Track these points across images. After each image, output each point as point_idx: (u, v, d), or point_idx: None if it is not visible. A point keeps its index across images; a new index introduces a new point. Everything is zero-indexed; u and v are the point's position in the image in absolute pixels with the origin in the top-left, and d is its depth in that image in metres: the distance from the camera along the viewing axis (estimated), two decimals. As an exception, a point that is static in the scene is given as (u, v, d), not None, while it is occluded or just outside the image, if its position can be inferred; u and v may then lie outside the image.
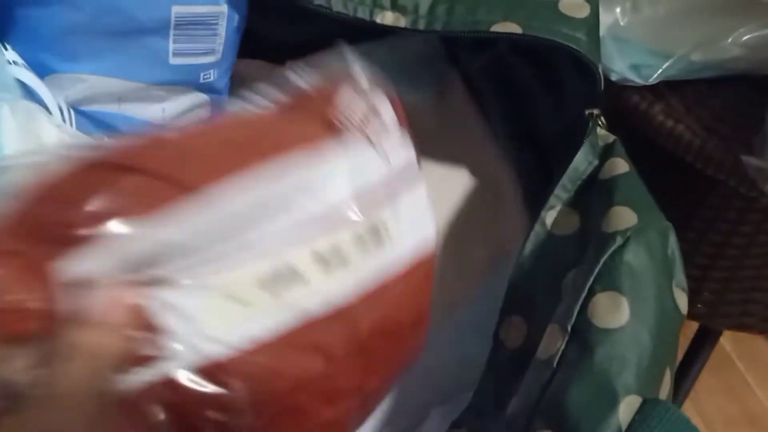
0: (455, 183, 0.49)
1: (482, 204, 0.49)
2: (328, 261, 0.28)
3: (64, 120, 0.39)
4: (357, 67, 0.34)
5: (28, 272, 0.23)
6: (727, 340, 0.77)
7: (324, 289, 0.28)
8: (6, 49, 0.37)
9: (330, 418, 0.31)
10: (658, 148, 0.46)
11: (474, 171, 0.49)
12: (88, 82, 0.40)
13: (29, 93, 0.37)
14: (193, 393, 0.25)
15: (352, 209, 0.28)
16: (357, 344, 0.30)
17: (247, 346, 0.26)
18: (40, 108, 0.37)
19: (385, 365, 0.34)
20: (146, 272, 0.25)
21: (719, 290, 0.55)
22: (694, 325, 0.67)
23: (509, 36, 0.34)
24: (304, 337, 0.28)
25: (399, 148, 0.32)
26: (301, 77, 0.31)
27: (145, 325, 0.24)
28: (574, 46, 0.34)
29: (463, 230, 0.48)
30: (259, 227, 0.27)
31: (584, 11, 0.35)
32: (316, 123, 0.29)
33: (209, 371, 0.25)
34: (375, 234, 0.29)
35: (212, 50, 0.41)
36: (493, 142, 0.50)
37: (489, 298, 0.45)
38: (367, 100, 0.32)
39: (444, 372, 0.43)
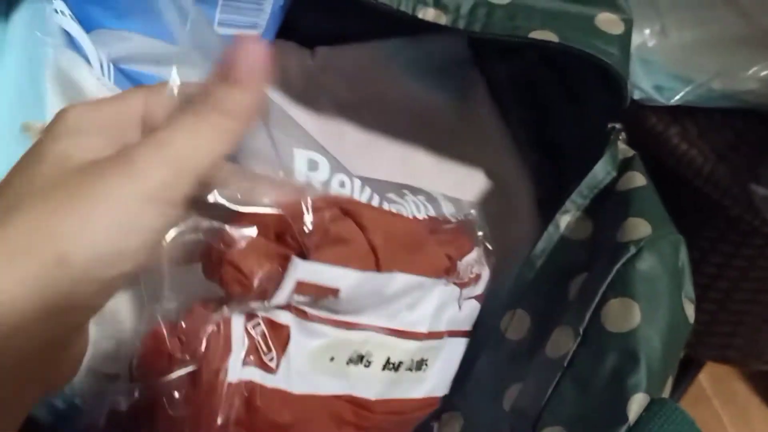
0: (470, 183, 0.50)
1: (494, 206, 0.50)
2: (388, 365, 0.35)
3: (103, 73, 0.39)
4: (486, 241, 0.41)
5: None
6: (705, 377, 0.78)
7: (373, 381, 0.34)
8: None
9: None
10: (667, 170, 0.48)
11: (489, 173, 0.50)
12: (131, 41, 0.40)
13: (72, 44, 0.38)
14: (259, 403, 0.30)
15: (422, 338, 0.35)
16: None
17: (317, 393, 0.32)
18: (82, 59, 0.37)
19: None
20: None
21: (707, 321, 0.57)
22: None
23: (546, 43, 0.35)
24: (340, 404, 0.33)
25: (471, 311, 0.40)
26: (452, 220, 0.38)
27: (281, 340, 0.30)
28: (607, 60, 0.35)
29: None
30: (377, 311, 0.33)
31: (619, 28, 0.36)
32: (444, 261, 0.35)
33: (280, 396, 0.30)
34: (420, 363, 0.36)
35: (256, 24, 0.42)
36: (511, 147, 0.51)
37: (495, 298, 0.47)
38: (479, 268, 0.39)
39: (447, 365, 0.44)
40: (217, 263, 0.27)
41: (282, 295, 0.28)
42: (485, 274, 0.39)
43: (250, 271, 0.27)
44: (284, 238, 0.28)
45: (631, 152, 0.38)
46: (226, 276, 0.27)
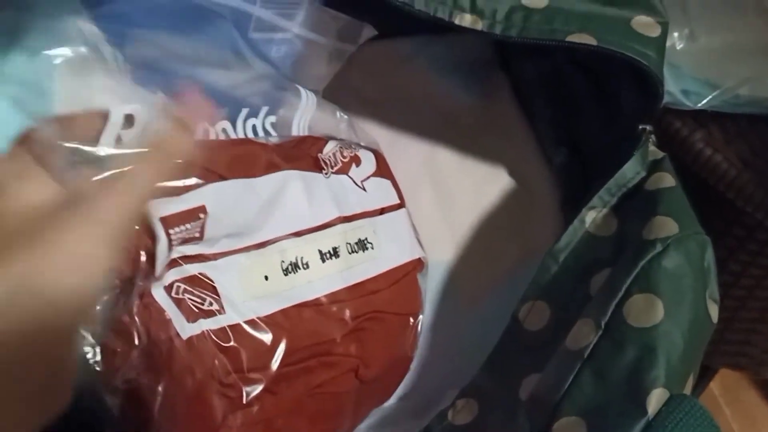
0: (493, 180, 0.51)
1: (517, 203, 0.51)
2: (327, 257, 0.38)
3: (119, 69, 0.40)
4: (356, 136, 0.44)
5: None
6: (716, 385, 0.78)
7: (323, 276, 0.37)
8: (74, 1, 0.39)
9: (332, 391, 0.37)
10: (691, 174, 0.48)
11: (512, 171, 0.51)
12: (160, 43, 0.41)
13: (87, 43, 0.38)
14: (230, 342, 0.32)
15: (341, 223, 0.39)
16: (352, 326, 0.38)
17: (272, 311, 0.34)
18: (96, 58, 0.38)
19: (379, 355, 0.40)
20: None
21: (721, 329, 0.57)
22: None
23: (585, 47, 0.35)
24: (311, 311, 0.36)
25: (379, 188, 0.43)
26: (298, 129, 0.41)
27: (208, 287, 0.32)
28: (645, 62, 0.35)
29: (496, 226, 0.50)
30: (273, 219, 0.36)
31: (656, 31, 0.37)
32: (305, 158, 0.39)
33: (246, 326, 0.33)
34: (359, 243, 0.40)
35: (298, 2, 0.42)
36: (535, 146, 0.52)
37: (514, 294, 0.47)
38: (351, 151, 0.42)
39: (463, 357, 0.45)
40: None
41: (162, 242, 0.31)
42: (365, 153, 0.43)
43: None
44: None
45: (661, 154, 0.39)
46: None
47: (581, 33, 0.36)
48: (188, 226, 0.32)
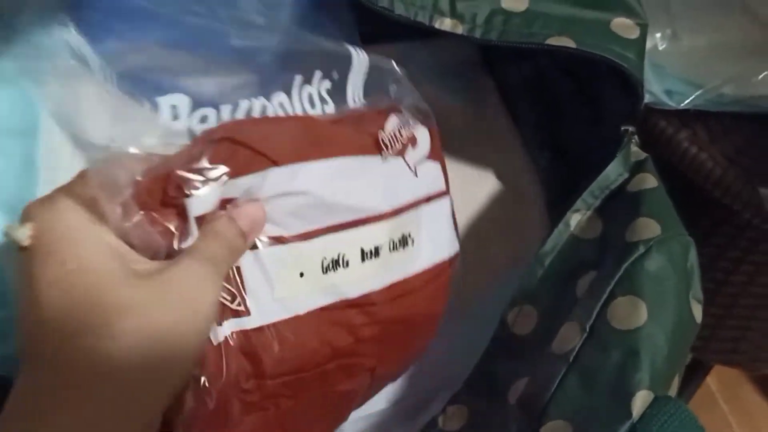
0: (481, 184, 0.51)
1: (505, 207, 0.51)
2: (368, 256, 0.34)
3: (105, 79, 0.40)
4: (411, 98, 0.40)
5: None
6: (713, 381, 0.79)
7: (360, 277, 0.34)
8: (59, 10, 0.39)
9: (345, 389, 0.35)
10: (678, 174, 0.48)
11: (499, 175, 0.51)
12: (149, 51, 0.41)
13: (75, 54, 0.39)
14: (253, 347, 0.30)
15: (389, 217, 0.35)
16: (378, 329, 0.35)
17: (299, 314, 0.31)
18: (82, 67, 0.38)
19: (398, 354, 0.38)
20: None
21: (714, 325, 0.57)
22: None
23: (563, 49, 0.36)
24: (340, 314, 0.33)
25: (429, 172, 0.40)
26: (357, 101, 0.38)
27: (237, 283, 0.30)
28: (624, 64, 0.35)
29: (484, 230, 0.50)
30: (321, 210, 0.33)
31: (634, 33, 0.37)
32: (365, 138, 0.35)
33: (268, 333, 0.30)
34: (402, 240, 0.36)
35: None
36: (522, 149, 0.52)
37: (502, 297, 0.47)
38: (408, 130, 0.38)
39: (453, 360, 0.45)
40: None
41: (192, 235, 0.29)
42: (421, 131, 0.39)
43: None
44: (167, 201, 0.29)
45: (643, 155, 0.39)
46: None
47: (560, 36, 0.36)
48: None
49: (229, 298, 0.29)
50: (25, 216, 0.26)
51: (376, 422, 0.44)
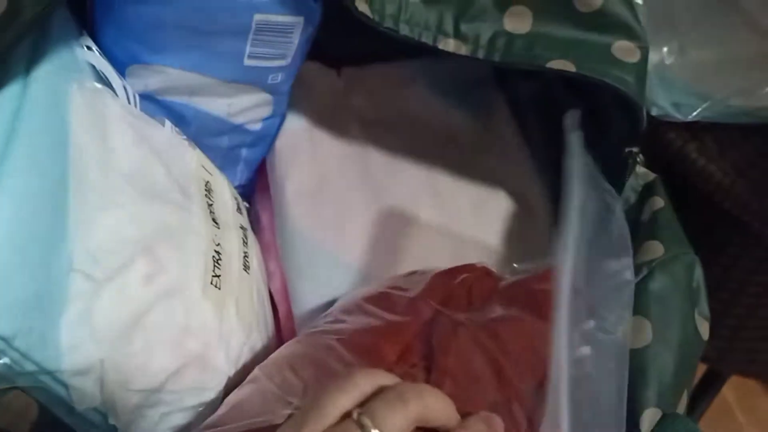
0: (490, 199, 0.52)
1: (514, 222, 0.51)
2: None
3: (129, 102, 0.42)
4: None
5: None
6: (730, 392, 0.78)
7: None
8: (82, 34, 0.40)
9: None
10: (689, 186, 0.49)
11: (510, 190, 0.51)
12: (167, 74, 0.42)
13: (99, 77, 0.40)
14: None
15: None
16: None
17: None
18: (107, 89, 0.40)
19: None
20: None
21: (730, 337, 0.57)
22: (699, 370, 0.67)
23: (564, 73, 0.36)
24: None
25: None
26: None
27: None
28: (624, 89, 0.36)
29: (494, 244, 0.50)
30: None
31: (635, 57, 0.38)
32: None
33: None
34: None
35: (284, 55, 0.43)
36: (532, 164, 0.52)
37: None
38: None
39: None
40: None
41: None
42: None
43: None
44: None
45: (651, 176, 0.39)
46: None
47: (561, 59, 0.37)
48: None
49: None
50: None
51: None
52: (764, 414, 0.79)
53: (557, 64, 0.37)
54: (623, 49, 0.38)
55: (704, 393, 0.70)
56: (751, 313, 0.55)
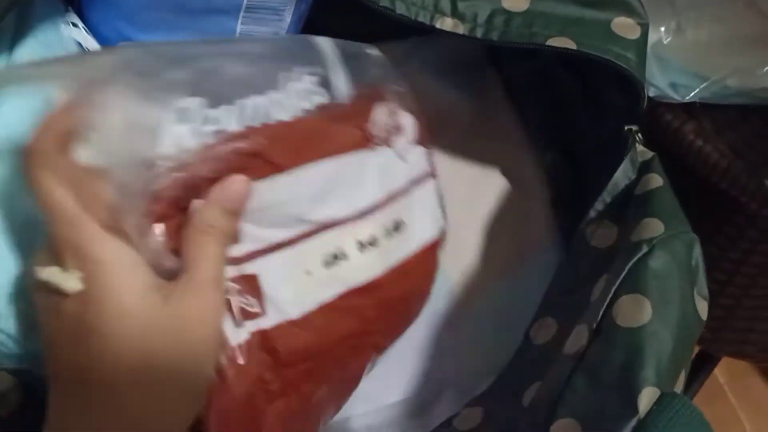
0: (486, 180, 0.51)
1: (510, 203, 0.51)
2: (365, 246, 0.36)
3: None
4: (392, 80, 0.41)
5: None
6: (721, 373, 0.78)
7: (361, 266, 0.36)
8: (68, 11, 0.39)
9: (356, 367, 0.38)
10: (685, 167, 0.48)
11: (505, 171, 0.51)
12: (156, 50, 0.41)
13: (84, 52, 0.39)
14: (271, 342, 0.31)
15: (382, 206, 0.37)
16: (382, 309, 0.37)
17: (311, 309, 0.32)
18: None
19: (398, 328, 0.41)
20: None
21: (723, 317, 0.57)
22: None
23: (564, 50, 0.36)
24: (348, 301, 0.35)
25: (416, 156, 0.41)
26: (345, 89, 0.38)
27: (254, 288, 0.31)
28: (624, 65, 0.35)
29: (490, 226, 0.50)
30: (319, 210, 0.34)
31: (635, 33, 0.37)
32: (357, 134, 0.37)
33: (284, 328, 0.30)
34: (396, 225, 0.38)
35: (276, 34, 0.43)
36: (528, 145, 0.52)
37: (509, 293, 0.48)
38: (395, 118, 0.39)
39: (459, 356, 0.46)
40: None
41: None
42: (405, 117, 0.40)
43: None
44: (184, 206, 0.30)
45: (649, 154, 0.39)
46: None
47: (561, 37, 0.36)
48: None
49: (246, 302, 0.31)
50: (65, 254, 0.27)
51: (385, 416, 0.45)
52: (756, 395, 0.80)
53: (557, 41, 0.36)
54: (623, 25, 0.37)
55: (696, 375, 0.70)
56: (744, 293, 0.56)
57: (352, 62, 0.39)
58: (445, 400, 0.44)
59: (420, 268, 0.40)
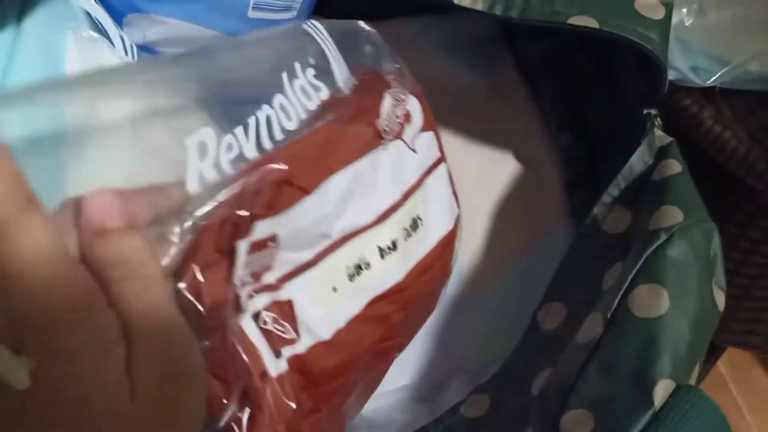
0: (498, 162, 0.51)
1: (522, 186, 0.50)
2: (385, 251, 0.35)
3: (126, 53, 0.40)
4: (388, 56, 0.39)
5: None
6: (723, 364, 0.78)
7: (384, 272, 0.34)
8: None
9: (380, 371, 0.37)
10: (702, 152, 0.47)
11: (517, 153, 0.50)
12: (167, 25, 0.41)
13: (95, 25, 0.38)
14: (304, 365, 0.31)
15: (398, 206, 0.35)
16: (405, 311, 0.36)
17: (340, 326, 0.32)
18: (104, 39, 0.38)
19: (418, 325, 0.40)
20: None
21: (732, 307, 0.56)
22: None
23: (586, 29, 0.35)
24: (373, 310, 0.34)
25: (426, 143, 0.39)
26: (344, 75, 0.35)
27: (288, 315, 0.30)
28: (648, 46, 0.34)
29: (502, 208, 0.50)
30: (341, 222, 0.33)
31: (659, 13, 0.36)
32: (369, 132, 0.35)
33: (316, 350, 0.31)
34: (414, 223, 0.37)
35: (289, 8, 0.42)
36: (541, 125, 0.51)
37: (520, 277, 0.47)
38: (402, 106, 0.37)
39: (467, 341, 0.45)
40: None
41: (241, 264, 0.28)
42: (412, 102, 0.38)
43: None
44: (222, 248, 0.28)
45: (668, 139, 0.38)
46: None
47: (582, 15, 0.35)
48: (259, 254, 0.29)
49: (282, 329, 0.30)
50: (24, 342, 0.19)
51: (393, 401, 0.44)
52: (758, 384, 0.80)
53: (578, 20, 0.35)
54: (647, 5, 0.36)
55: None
56: (753, 283, 0.55)
57: (345, 43, 0.37)
58: (453, 384, 0.44)
59: (438, 262, 0.39)
